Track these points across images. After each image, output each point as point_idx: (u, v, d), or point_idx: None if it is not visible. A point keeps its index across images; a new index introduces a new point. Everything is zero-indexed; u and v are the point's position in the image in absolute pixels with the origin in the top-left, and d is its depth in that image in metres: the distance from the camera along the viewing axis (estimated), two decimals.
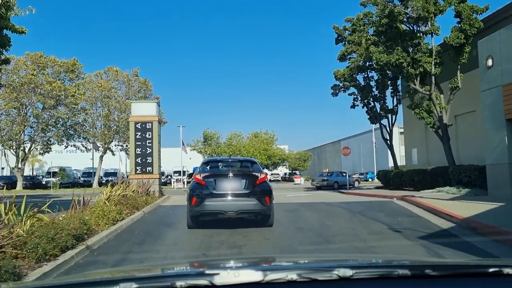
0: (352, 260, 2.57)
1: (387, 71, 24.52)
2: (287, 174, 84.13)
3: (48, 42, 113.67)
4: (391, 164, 70.98)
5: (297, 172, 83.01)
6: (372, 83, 25.83)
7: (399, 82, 25.03)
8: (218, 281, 1.33)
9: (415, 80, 18.59)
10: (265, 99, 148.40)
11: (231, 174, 9.08)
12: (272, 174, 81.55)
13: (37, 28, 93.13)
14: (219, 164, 10.96)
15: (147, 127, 19.21)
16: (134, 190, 14.38)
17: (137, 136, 19.19)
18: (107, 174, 54.73)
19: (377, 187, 27.35)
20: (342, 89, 27.22)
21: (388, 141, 25.44)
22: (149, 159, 19.14)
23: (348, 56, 26.04)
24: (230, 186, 8.79)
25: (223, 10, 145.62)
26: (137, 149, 19.18)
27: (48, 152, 45.82)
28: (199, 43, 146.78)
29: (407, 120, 25.78)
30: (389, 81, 24.65)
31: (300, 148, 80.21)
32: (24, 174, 46.72)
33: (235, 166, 10.81)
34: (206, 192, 8.69)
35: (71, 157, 65.86)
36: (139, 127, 19.22)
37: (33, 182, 45.69)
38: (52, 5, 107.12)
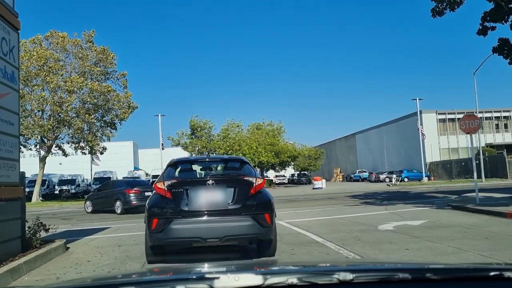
0: (353, 264, 2.57)
1: None
2: (295, 175, 70.30)
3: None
4: (429, 159, 56.88)
5: (306, 172, 69.38)
6: None
7: None
8: (218, 285, 1.30)
9: None
10: (264, 94, 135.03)
11: (211, 181, 6.02)
12: (276, 176, 67.86)
13: None
14: (193, 166, 7.40)
15: None
16: None
17: None
18: (62, 182, 40.87)
19: None
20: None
21: None
22: None
23: None
24: (211, 198, 5.87)
25: None
26: None
27: None
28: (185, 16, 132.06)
29: None
30: None
31: (304, 145, 66.04)
32: None
33: (217, 168, 7.50)
34: (174, 209, 5.78)
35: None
36: None
37: None
38: None
